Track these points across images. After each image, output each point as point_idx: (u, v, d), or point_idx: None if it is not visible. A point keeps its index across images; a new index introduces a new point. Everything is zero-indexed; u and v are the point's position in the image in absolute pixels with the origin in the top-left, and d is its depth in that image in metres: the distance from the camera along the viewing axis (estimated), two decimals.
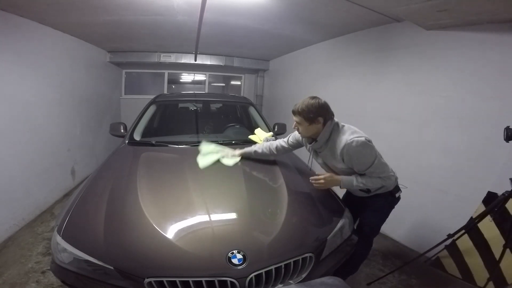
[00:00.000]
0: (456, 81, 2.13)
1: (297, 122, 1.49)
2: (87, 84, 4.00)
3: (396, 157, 2.55)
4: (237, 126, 2.85)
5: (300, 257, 1.24)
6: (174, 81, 6.28)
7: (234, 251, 1.15)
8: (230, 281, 1.10)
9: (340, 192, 1.86)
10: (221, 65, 5.24)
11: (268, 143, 1.94)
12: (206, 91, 6.24)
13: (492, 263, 1.79)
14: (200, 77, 6.30)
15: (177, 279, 1.10)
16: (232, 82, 6.73)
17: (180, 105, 3.24)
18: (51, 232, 1.97)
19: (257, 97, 6.14)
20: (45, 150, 3.01)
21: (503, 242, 1.67)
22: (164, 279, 1.09)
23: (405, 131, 2.53)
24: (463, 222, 1.78)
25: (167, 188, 1.60)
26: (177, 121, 2.92)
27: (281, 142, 1.87)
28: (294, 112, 1.47)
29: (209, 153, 1.94)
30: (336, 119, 1.56)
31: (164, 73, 5.80)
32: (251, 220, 1.36)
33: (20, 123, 2.59)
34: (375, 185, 1.48)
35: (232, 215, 1.41)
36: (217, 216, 1.37)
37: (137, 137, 2.39)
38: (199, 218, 1.34)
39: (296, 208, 1.49)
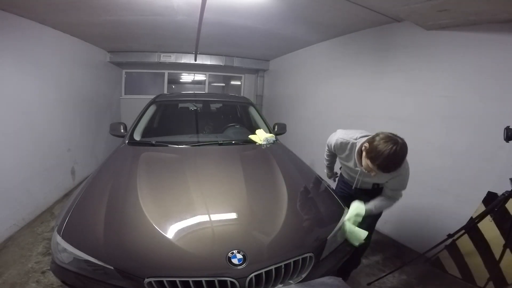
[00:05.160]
0: (456, 81, 2.13)
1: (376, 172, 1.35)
2: (87, 84, 4.00)
3: None
4: (237, 126, 2.85)
5: (300, 257, 1.24)
6: (174, 81, 6.28)
7: (234, 251, 1.15)
8: (230, 281, 1.10)
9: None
10: (221, 65, 5.25)
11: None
12: (206, 91, 6.24)
13: (492, 263, 1.79)
14: (200, 77, 6.30)
15: (177, 279, 1.10)
16: (232, 82, 6.73)
17: (180, 105, 3.23)
18: (51, 232, 1.97)
19: (257, 97, 6.14)
20: (45, 150, 3.01)
21: (503, 242, 1.66)
22: (164, 279, 1.09)
23: (405, 131, 2.48)
24: (463, 222, 1.78)
25: (167, 188, 1.59)
26: (177, 121, 2.92)
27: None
28: (385, 169, 1.28)
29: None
30: None
31: (164, 73, 5.80)
32: (251, 220, 1.36)
33: (20, 123, 2.59)
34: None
35: (232, 215, 1.40)
36: (217, 216, 1.37)
37: (137, 137, 2.39)
38: (199, 218, 1.34)
39: (296, 208, 1.49)
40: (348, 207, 1.72)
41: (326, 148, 1.84)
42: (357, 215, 1.47)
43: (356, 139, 1.53)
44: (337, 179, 2.05)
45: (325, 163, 2.00)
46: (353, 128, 1.72)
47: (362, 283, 2.00)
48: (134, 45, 4.33)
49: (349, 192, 1.82)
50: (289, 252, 1.24)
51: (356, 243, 1.43)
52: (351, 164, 1.61)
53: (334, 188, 1.95)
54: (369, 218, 1.61)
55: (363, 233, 1.42)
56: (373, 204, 1.57)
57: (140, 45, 4.34)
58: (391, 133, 1.32)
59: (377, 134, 1.32)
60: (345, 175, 1.85)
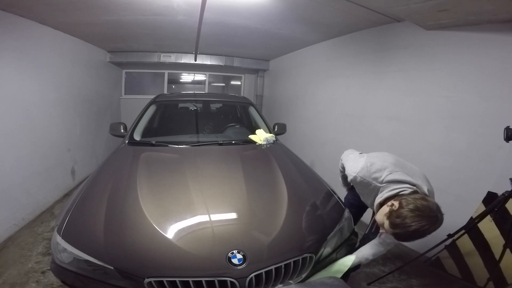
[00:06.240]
0: (456, 81, 2.13)
1: None
2: (87, 84, 4.00)
3: None
4: (237, 126, 2.86)
5: (300, 257, 1.24)
6: (174, 81, 6.28)
7: (234, 251, 1.15)
8: (230, 281, 1.10)
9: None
10: (221, 65, 5.25)
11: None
12: (206, 91, 6.24)
13: (492, 263, 1.78)
14: (200, 77, 6.30)
15: (177, 279, 1.10)
16: (232, 82, 6.73)
17: (180, 105, 3.24)
18: (51, 232, 1.97)
19: (257, 97, 6.14)
20: (45, 150, 3.01)
21: (503, 242, 1.67)
22: (164, 279, 1.09)
23: (405, 131, 2.53)
24: (463, 222, 1.78)
25: (167, 188, 1.59)
26: (177, 121, 2.92)
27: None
28: (400, 240, 1.12)
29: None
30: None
31: (164, 73, 5.81)
32: (251, 220, 1.36)
33: (20, 123, 2.59)
34: None
35: (232, 215, 1.40)
36: (217, 216, 1.37)
37: (137, 137, 2.39)
38: (199, 218, 1.34)
39: (296, 208, 1.49)
40: (358, 216, 1.71)
41: (340, 163, 1.60)
42: (336, 271, 1.32)
43: (381, 182, 1.22)
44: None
45: (340, 174, 1.73)
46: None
47: (362, 283, 2.00)
48: (134, 45, 4.33)
49: (361, 202, 1.59)
50: (289, 252, 1.24)
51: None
52: (367, 201, 1.40)
53: (346, 195, 1.85)
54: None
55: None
56: (363, 254, 1.36)
57: (140, 45, 4.34)
58: (433, 203, 1.04)
59: (415, 197, 1.05)
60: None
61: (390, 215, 1.08)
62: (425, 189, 1.19)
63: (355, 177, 1.34)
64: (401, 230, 1.03)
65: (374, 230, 1.58)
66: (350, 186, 1.79)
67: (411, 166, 1.33)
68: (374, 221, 1.39)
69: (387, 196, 1.15)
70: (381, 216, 1.13)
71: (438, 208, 1.06)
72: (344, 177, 1.70)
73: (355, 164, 1.37)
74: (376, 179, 1.25)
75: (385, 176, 1.22)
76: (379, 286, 1.99)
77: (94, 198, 1.50)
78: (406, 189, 1.15)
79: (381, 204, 1.16)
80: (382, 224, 1.12)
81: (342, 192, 1.86)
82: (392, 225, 1.07)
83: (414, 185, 1.18)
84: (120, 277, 1.12)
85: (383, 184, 1.22)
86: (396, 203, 1.08)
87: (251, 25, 3.01)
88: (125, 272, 1.12)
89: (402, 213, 1.03)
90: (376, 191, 1.25)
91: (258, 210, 1.43)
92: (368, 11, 2.24)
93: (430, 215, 1.01)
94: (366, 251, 1.38)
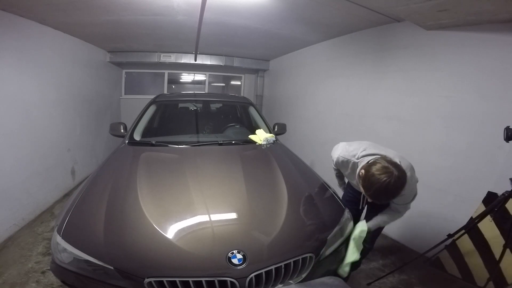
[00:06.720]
0: (456, 81, 2.13)
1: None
2: (87, 84, 4.00)
3: None
4: (237, 126, 2.85)
5: (300, 257, 1.24)
6: (174, 81, 6.28)
7: (234, 251, 1.16)
8: (230, 281, 1.10)
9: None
10: (221, 65, 5.25)
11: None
12: (206, 91, 6.24)
13: (492, 263, 1.78)
14: (200, 77, 6.30)
15: (177, 279, 1.10)
16: (232, 82, 6.73)
17: (180, 105, 3.24)
18: (51, 232, 1.97)
19: (257, 97, 6.14)
20: (45, 150, 3.01)
21: (503, 242, 1.66)
22: (164, 279, 1.09)
23: (405, 131, 2.53)
24: (463, 222, 1.78)
25: (167, 188, 1.59)
26: (177, 121, 2.92)
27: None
28: (376, 200, 1.27)
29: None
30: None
31: (164, 73, 5.81)
32: (251, 220, 1.36)
33: (20, 123, 2.59)
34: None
35: (232, 215, 1.40)
36: (217, 216, 1.37)
37: (137, 137, 2.39)
38: (199, 218, 1.34)
39: (296, 208, 1.49)
40: (357, 212, 1.76)
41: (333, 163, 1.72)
42: (361, 232, 1.46)
43: (358, 158, 1.44)
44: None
45: (334, 172, 1.86)
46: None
47: (362, 283, 2.00)
48: (134, 45, 4.33)
49: (357, 197, 1.75)
50: (289, 252, 1.24)
51: (347, 264, 1.43)
52: (354, 182, 1.56)
53: (343, 194, 1.92)
54: (370, 233, 1.57)
55: (355, 256, 1.42)
56: (379, 219, 1.53)
57: (140, 45, 4.34)
58: (390, 162, 1.22)
59: (375, 163, 1.23)
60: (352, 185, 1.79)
61: (361, 180, 1.26)
62: (397, 161, 1.31)
63: (338, 158, 1.55)
64: (371, 190, 1.20)
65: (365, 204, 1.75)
66: (345, 185, 1.92)
67: (386, 149, 1.47)
68: (363, 196, 1.56)
69: (363, 165, 1.33)
70: (360, 185, 1.29)
71: (393, 164, 1.22)
72: (339, 175, 1.86)
73: (337, 148, 1.61)
74: (353, 156, 1.47)
75: (360, 152, 1.44)
76: (379, 286, 1.99)
77: (94, 198, 1.50)
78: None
79: (360, 175, 1.32)
80: (363, 192, 1.28)
81: (342, 192, 1.86)
82: (364, 188, 1.25)
83: (383, 156, 1.33)
84: (120, 277, 1.12)
85: (359, 159, 1.42)
86: (363, 171, 1.27)
87: (251, 25, 3.02)
88: (125, 272, 1.12)
89: (368, 176, 1.22)
90: (356, 167, 1.43)
91: (258, 210, 1.43)
92: (368, 11, 2.24)
93: (388, 171, 1.17)
94: (377, 219, 1.51)
